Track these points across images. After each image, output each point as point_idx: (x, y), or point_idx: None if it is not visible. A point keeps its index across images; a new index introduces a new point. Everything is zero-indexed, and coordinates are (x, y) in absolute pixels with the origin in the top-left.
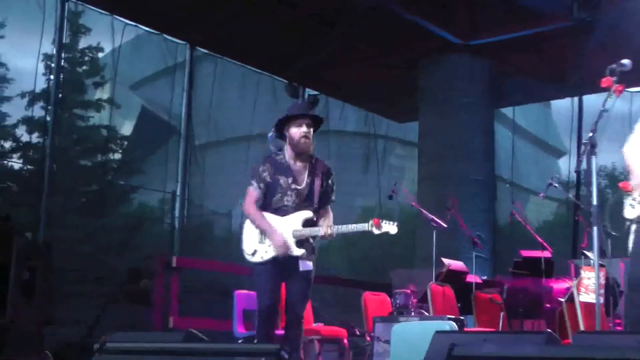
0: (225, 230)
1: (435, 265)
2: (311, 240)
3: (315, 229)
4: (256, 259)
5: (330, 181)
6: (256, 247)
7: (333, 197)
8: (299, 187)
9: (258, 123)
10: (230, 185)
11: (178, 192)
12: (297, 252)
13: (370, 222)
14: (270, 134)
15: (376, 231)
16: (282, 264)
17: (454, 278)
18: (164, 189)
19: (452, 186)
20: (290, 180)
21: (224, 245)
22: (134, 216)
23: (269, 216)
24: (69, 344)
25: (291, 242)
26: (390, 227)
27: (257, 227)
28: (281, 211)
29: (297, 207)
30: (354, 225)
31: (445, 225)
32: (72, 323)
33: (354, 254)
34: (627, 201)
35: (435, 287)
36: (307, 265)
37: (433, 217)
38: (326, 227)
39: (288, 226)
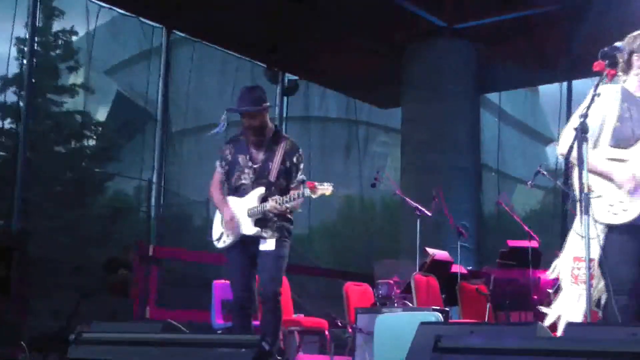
0: (203, 219)
1: (419, 255)
2: (275, 218)
3: (265, 203)
4: (220, 244)
5: (295, 159)
6: (221, 231)
7: (300, 176)
8: (255, 165)
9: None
10: (208, 173)
11: (154, 180)
12: (250, 230)
13: (306, 187)
14: (219, 126)
15: (313, 195)
16: (246, 247)
17: (439, 268)
18: (140, 176)
19: (436, 175)
20: (247, 157)
21: (203, 234)
22: (110, 205)
23: (230, 199)
24: (46, 335)
25: (246, 220)
26: (324, 189)
27: (216, 207)
28: (240, 191)
29: (254, 186)
30: (295, 193)
31: (429, 214)
32: (50, 314)
33: (336, 245)
34: (601, 204)
35: (419, 278)
36: (267, 243)
37: (417, 205)
38: (271, 200)
39: (244, 205)
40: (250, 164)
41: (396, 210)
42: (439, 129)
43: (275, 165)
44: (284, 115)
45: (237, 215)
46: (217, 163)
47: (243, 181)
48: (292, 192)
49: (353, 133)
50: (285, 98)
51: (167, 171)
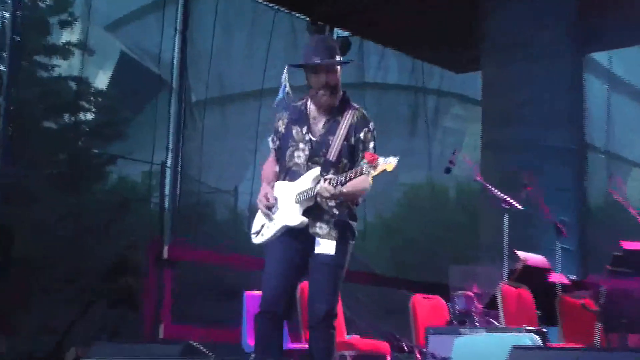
0: (230, 212)
1: (506, 260)
2: (334, 210)
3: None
4: (258, 238)
5: (363, 135)
6: (263, 222)
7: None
8: (313, 138)
9: (272, 75)
10: (236, 155)
11: (169, 164)
12: (295, 219)
13: (363, 161)
14: (281, 90)
15: (372, 171)
16: (294, 242)
17: (533, 277)
18: (150, 159)
19: (527, 156)
20: (304, 129)
21: (229, 231)
22: (113, 195)
23: (278, 184)
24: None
25: (292, 207)
26: (386, 163)
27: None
28: (292, 173)
29: (309, 166)
30: (351, 172)
31: (519, 207)
32: (36, 332)
33: (398, 245)
34: None
35: (507, 289)
36: (323, 245)
37: (504, 195)
38: (324, 180)
39: (294, 190)
40: (307, 137)
41: (475, 202)
42: (530, 98)
43: (337, 140)
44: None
45: (280, 197)
46: (269, 139)
47: (296, 160)
48: (349, 173)
49: (420, 104)
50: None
51: (185, 152)
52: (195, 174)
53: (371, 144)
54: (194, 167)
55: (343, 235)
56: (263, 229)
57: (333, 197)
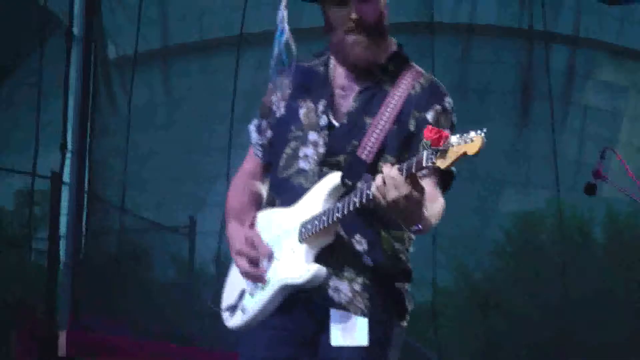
0: (178, 267)
1: None
2: (364, 244)
3: (344, 200)
4: (236, 319)
5: (432, 115)
6: (242, 289)
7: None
8: (334, 122)
9: (260, 9)
10: (191, 157)
11: (66, 176)
12: (303, 271)
13: (424, 144)
14: (275, 48)
15: (442, 163)
16: (289, 326)
17: None
18: (31, 168)
19: None
20: (321, 106)
21: (178, 302)
22: None
23: (266, 215)
24: None
25: (295, 249)
26: (468, 144)
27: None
28: (290, 189)
29: (322, 171)
30: (406, 162)
31: None
32: None
33: (495, 328)
34: None
35: None
36: (343, 326)
37: None
38: (387, 167)
39: (296, 217)
40: (324, 119)
41: None
42: None
43: (379, 124)
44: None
45: (272, 237)
46: (252, 127)
47: (301, 163)
48: (410, 163)
49: (537, 64)
50: None
51: (98, 155)
52: (114, 195)
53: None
54: (113, 182)
55: (385, 307)
56: (243, 301)
57: (396, 203)
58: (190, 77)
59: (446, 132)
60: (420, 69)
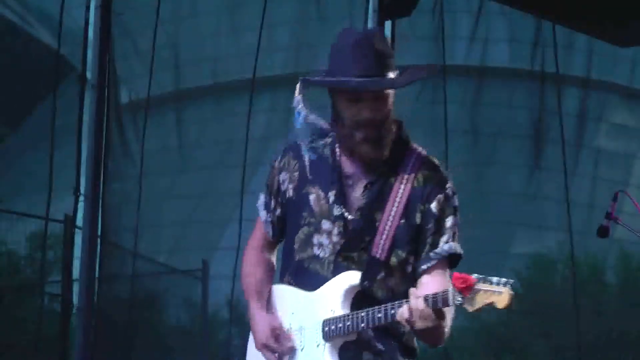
0: (192, 312)
1: None
2: (378, 344)
3: (368, 313)
4: None
5: (436, 205)
6: None
7: (447, 246)
8: (348, 215)
9: (272, 55)
10: (205, 201)
11: (79, 220)
12: None
13: (452, 288)
14: (298, 116)
15: (470, 307)
16: None
17: None
18: (44, 212)
19: None
20: (332, 197)
21: (191, 348)
22: None
23: (283, 291)
24: None
25: (319, 348)
26: (492, 294)
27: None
28: (304, 272)
29: (338, 267)
30: (432, 294)
31: None
32: None
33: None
34: None
35: None
36: None
37: None
38: (414, 298)
39: (317, 309)
40: (338, 210)
41: None
42: None
43: (388, 222)
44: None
45: (293, 324)
46: (260, 204)
47: (316, 250)
48: (432, 291)
49: (549, 106)
50: (386, 25)
51: (111, 200)
52: (127, 239)
53: (449, 220)
54: (127, 227)
55: None
56: None
57: (421, 331)
58: (203, 121)
59: (473, 278)
60: (420, 150)
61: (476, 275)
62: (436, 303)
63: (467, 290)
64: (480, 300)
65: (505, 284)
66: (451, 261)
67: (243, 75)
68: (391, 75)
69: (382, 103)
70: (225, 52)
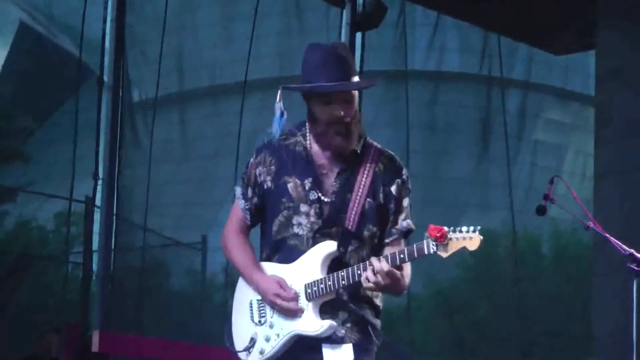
0: (193, 278)
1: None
2: (350, 304)
3: (348, 272)
4: (254, 356)
5: (394, 188)
6: (254, 332)
7: (406, 223)
8: (324, 198)
9: (260, 61)
10: (204, 185)
11: (98, 201)
12: (315, 325)
13: (430, 239)
14: (276, 120)
15: (443, 253)
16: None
17: None
18: (68, 193)
19: None
20: (308, 184)
21: (192, 309)
22: (7, 247)
23: (267, 266)
24: None
25: (303, 307)
26: (465, 240)
27: (235, 267)
28: (286, 249)
29: (317, 239)
30: (407, 248)
31: None
32: None
33: (458, 327)
34: None
35: None
36: (339, 350)
37: (634, 252)
38: (376, 261)
39: (298, 277)
40: (314, 195)
41: (584, 262)
42: None
43: (357, 200)
44: (357, 69)
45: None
46: (237, 188)
47: (295, 229)
48: (404, 250)
49: (495, 105)
50: (357, 36)
51: (125, 183)
52: (139, 217)
53: (406, 201)
54: (138, 206)
55: (364, 334)
56: (259, 344)
57: (384, 287)
58: (202, 117)
59: (445, 228)
60: (378, 146)
61: (447, 227)
62: (395, 260)
63: (441, 238)
64: (454, 246)
65: (474, 230)
66: (406, 234)
67: (236, 78)
68: (355, 79)
69: (350, 102)
70: (221, 59)
